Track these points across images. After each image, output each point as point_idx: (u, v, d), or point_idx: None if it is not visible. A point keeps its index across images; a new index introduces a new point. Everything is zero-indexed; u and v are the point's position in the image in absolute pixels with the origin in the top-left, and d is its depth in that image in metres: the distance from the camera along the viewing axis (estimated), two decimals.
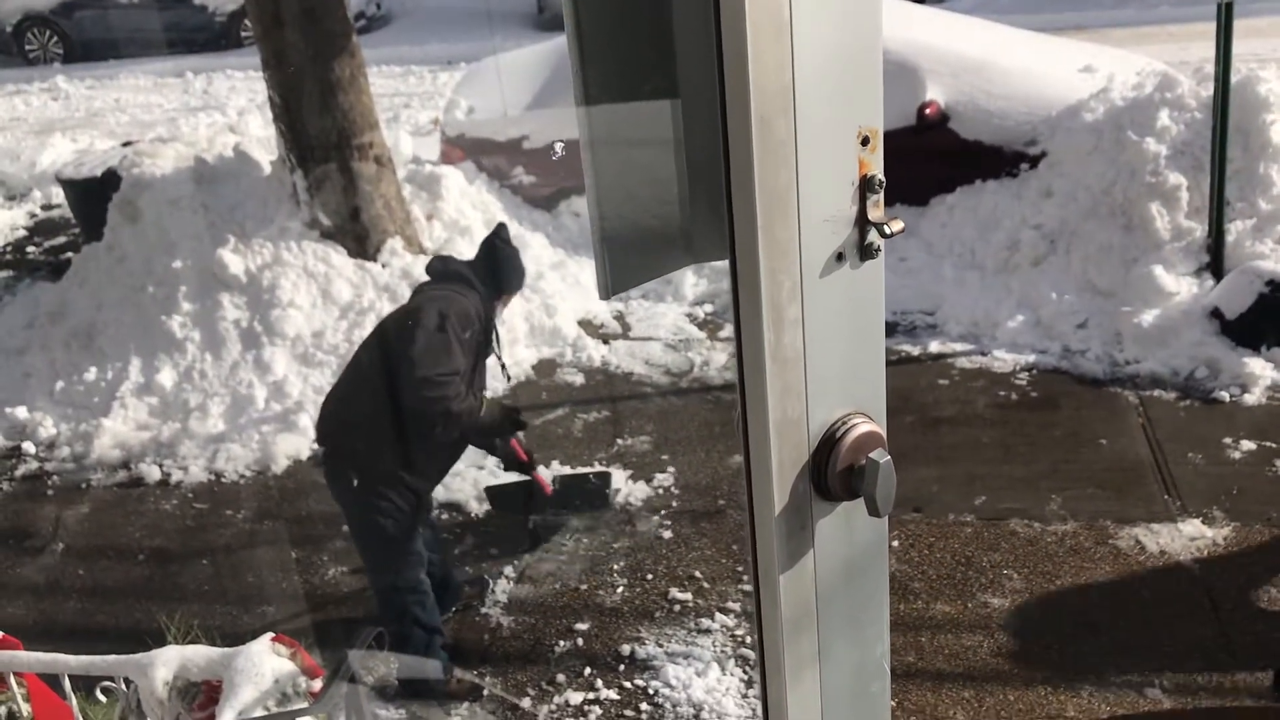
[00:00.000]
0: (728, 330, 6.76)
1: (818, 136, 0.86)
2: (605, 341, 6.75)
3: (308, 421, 5.89)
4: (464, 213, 7.33)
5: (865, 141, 0.89)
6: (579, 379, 6.38)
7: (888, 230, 0.92)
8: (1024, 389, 5.79)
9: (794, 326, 0.90)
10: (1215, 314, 5.77)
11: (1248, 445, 5.07)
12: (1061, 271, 6.42)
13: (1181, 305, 5.91)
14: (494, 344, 4.20)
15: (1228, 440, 5.12)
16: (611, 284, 0.94)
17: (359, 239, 6.70)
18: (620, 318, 7.08)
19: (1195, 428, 5.28)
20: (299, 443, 5.83)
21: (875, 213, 0.90)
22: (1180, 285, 5.99)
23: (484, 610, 4.53)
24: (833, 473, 0.96)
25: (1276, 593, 4.15)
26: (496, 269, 4.19)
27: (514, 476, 4.92)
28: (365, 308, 6.43)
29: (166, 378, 6.26)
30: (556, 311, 6.83)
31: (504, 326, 5.01)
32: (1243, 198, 6.13)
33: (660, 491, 5.20)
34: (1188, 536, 4.52)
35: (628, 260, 0.95)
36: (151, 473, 5.78)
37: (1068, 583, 4.32)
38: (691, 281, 7.26)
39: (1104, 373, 5.83)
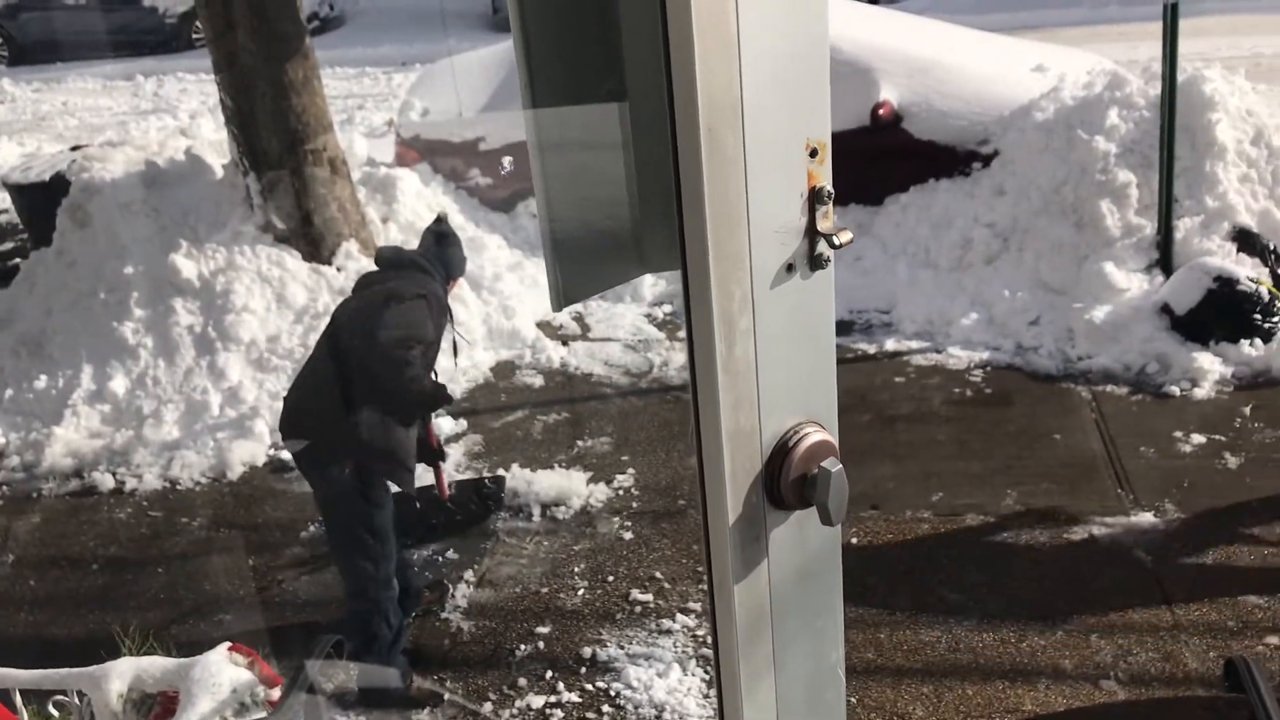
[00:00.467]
0: None
1: (766, 149, 0.86)
2: (564, 343, 6.74)
3: (263, 427, 5.84)
4: (420, 215, 7.29)
5: (814, 153, 0.89)
6: (538, 381, 6.37)
7: (837, 241, 0.92)
8: (978, 386, 5.85)
9: (745, 337, 0.90)
10: (1165, 310, 5.86)
11: (1198, 438, 5.15)
12: (1014, 269, 6.50)
13: (1132, 301, 6.00)
14: (450, 326, 4.30)
15: (1178, 434, 5.20)
16: (564, 296, 0.94)
17: (313, 242, 6.65)
18: (579, 319, 7.08)
19: (1147, 422, 5.35)
20: (255, 449, 5.77)
21: (824, 224, 0.91)
22: (1131, 282, 6.08)
23: (444, 615, 4.51)
24: (785, 482, 0.96)
25: (1229, 584, 4.21)
26: (443, 255, 4.28)
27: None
28: (320, 311, 6.37)
29: (119, 385, 6.18)
30: (515, 313, 6.82)
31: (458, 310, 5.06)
32: (1190, 195, 6.23)
33: (620, 493, 5.20)
34: (1140, 529, 4.59)
35: (580, 271, 0.95)
36: (105, 481, 5.70)
37: (1024, 577, 4.37)
38: (650, 282, 7.27)
39: (1057, 369, 5.90)
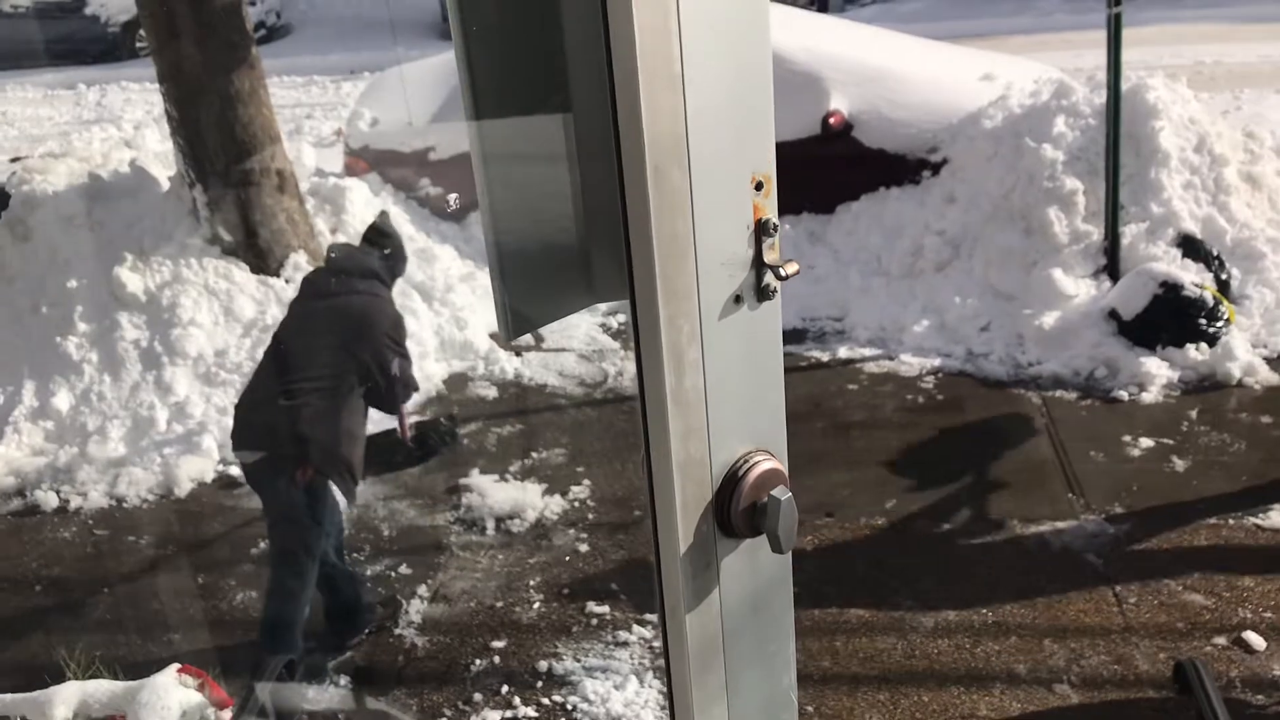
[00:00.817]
0: None
1: (712, 183, 0.86)
2: (518, 354, 6.71)
3: (212, 443, 5.76)
4: (368, 225, 7.23)
5: (759, 186, 0.90)
6: (492, 392, 6.33)
7: (783, 273, 0.93)
8: (930, 392, 5.89)
9: (694, 369, 0.91)
10: (1113, 315, 5.94)
11: (1146, 442, 5.22)
12: (964, 276, 6.55)
13: (1080, 307, 6.07)
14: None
15: (1127, 438, 5.26)
16: (513, 328, 0.94)
17: (261, 254, 6.57)
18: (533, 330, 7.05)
19: (1096, 426, 5.41)
20: (203, 465, 5.68)
21: (771, 255, 0.91)
22: (1079, 288, 6.15)
23: (397, 631, 4.46)
24: (736, 510, 0.96)
25: (1176, 586, 4.27)
26: (389, 254, 4.35)
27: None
28: (269, 324, 6.29)
29: (62, 401, 6.06)
30: (467, 325, 6.77)
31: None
32: (1136, 202, 6.31)
33: (576, 505, 5.18)
34: (1091, 533, 4.63)
35: (529, 302, 0.95)
36: (48, 499, 5.59)
37: (978, 582, 4.40)
38: None
39: (1007, 374, 5.95)
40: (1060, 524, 4.70)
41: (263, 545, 5.05)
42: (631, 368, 6.01)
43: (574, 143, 0.91)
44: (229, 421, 5.86)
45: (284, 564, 4.18)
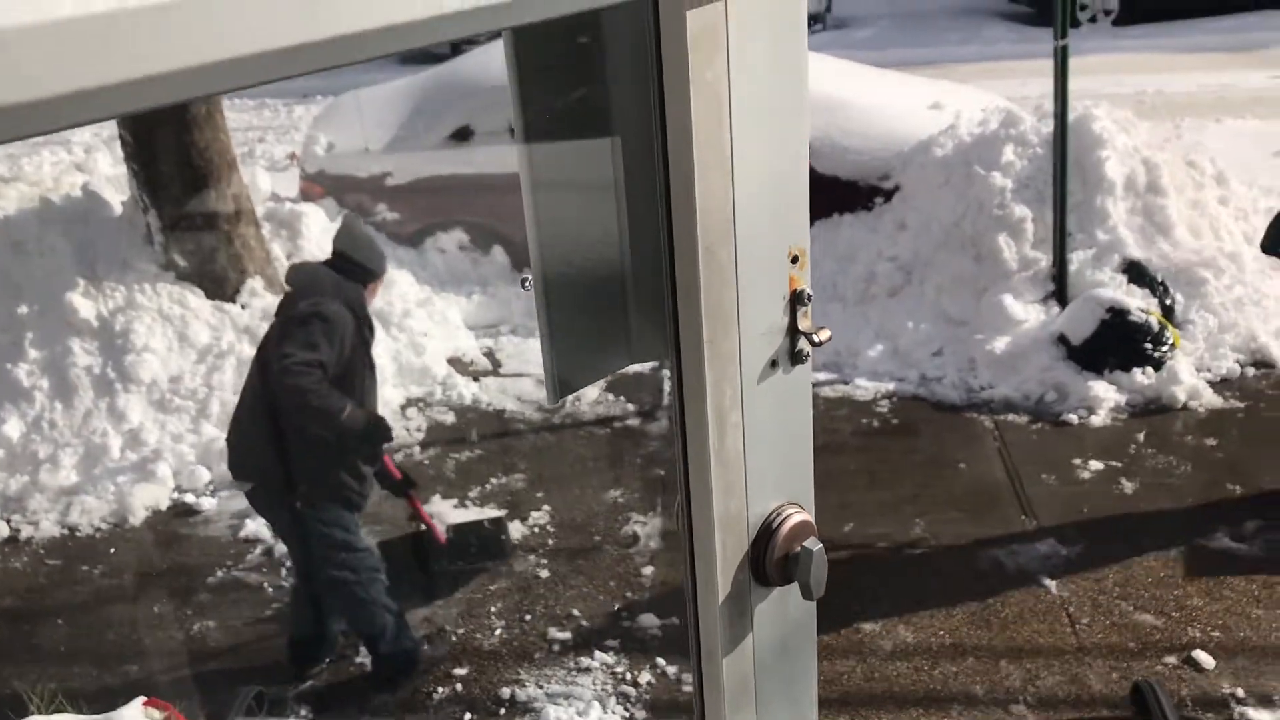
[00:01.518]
0: None
1: (755, 259, 0.94)
2: (476, 379, 6.71)
3: (166, 470, 5.70)
4: (325, 250, 7.21)
5: (795, 259, 0.97)
6: (450, 418, 6.33)
7: (816, 339, 1.01)
8: (885, 416, 5.98)
9: (735, 429, 0.98)
10: (1061, 340, 6.07)
11: (1095, 465, 5.33)
12: (917, 301, 6.66)
13: (1030, 332, 6.19)
14: (369, 337, 4.17)
15: (1077, 461, 5.38)
16: (560, 388, 1.00)
17: (217, 280, 6.53)
18: (490, 354, 7.06)
19: (1047, 450, 5.52)
20: (158, 492, 5.63)
21: (804, 323, 0.99)
22: (1028, 313, 6.28)
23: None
24: (770, 561, 1.04)
25: (1127, 606, 4.36)
26: (359, 256, 4.17)
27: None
28: (225, 350, 6.26)
29: (13, 428, 5.97)
30: (425, 350, 6.77)
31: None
32: (1082, 229, 6.46)
33: (536, 530, 5.19)
34: (1044, 555, 4.73)
35: (575, 362, 1.02)
36: None
37: (935, 604, 4.47)
38: None
39: (960, 398, 6.06)
40: (1015, 546, 4.79)
41: (220, 574, 5.01)
42: (590, 392, 6.01)
43: (624, 217, 0.98)
44: (184, 449, 5.83)
45: (329, 580, 4.16)
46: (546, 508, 5.35)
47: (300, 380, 3.79)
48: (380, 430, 4.12)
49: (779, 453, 1.03)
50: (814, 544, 1.07)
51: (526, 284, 0.95)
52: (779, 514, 1.04)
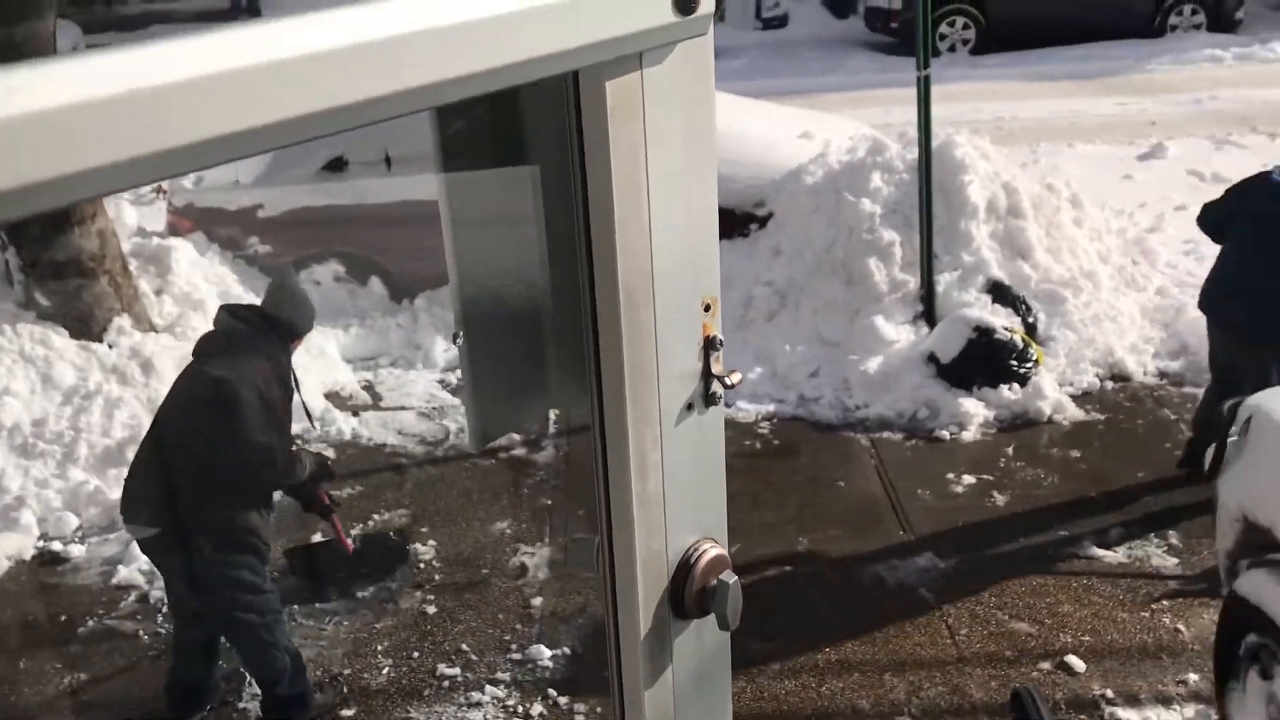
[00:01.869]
0: None
1: (671, 308, 1.00)
2: (355, 413, 6.61)
3: (31, 518, 5.47)
4: (196, 286, 7.04)
5: (707, 307, 1.04)
6: (329, 454, 6.21)
7: (729, 382, 1.07)
8: (766, 438, 6.08)
9: (655, 471, 1.03)
10: (931, 359, 6.26)
11: (968, 479, 5.51)
12: (793, 325, 6.80)
13: (901, 352, 6.38)
14: (295, 388, 4.12)
15: (950, 476, 5.55)
16: (480, 439, 1.03)
17: (82, 318, 6.31)
18: (369, 388, 6.96)
19: (922, 466, 5.69)
20: (21, 541, 5.39)
21: (717, 367, 1.06)
22: (899, 334, 6.47)
23: (241, 705, 4.32)
24: (689, 595, 1.09)
25: (1003, 616, 4.52)
26: (288, 314, 4.11)
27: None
28: (92, 391, 6.04)
29: None
30: (301, 385, 6.62)
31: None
32: (948, 251, 6.69)
33: (422, 565, 5.13)
34: (922, 568, 4.86)
35: (496, 411, 1.05)
36: None
37: (821, 621, 4.56)
38: (442, 347, 7.23)
39: (837, 418, 6.20)
40: (894, 561, 4.92)
41: (91, 623, 4.83)
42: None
43: (545, 269, 1.04)
44: (50, 494, 5.60)
45: (241, 634, 4.04)
46: (432, 542, 5.29)
47: (266, 473, 3.92)
48: (326, 471, 4.34)
49: (695, 491, 1.09)
50: (729, 577, 1.11)
51: (458, 340, 0.98)
52: (696, 549, 1.09)
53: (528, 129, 1.01)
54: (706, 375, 1.05)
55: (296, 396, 4.16)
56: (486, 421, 1.06)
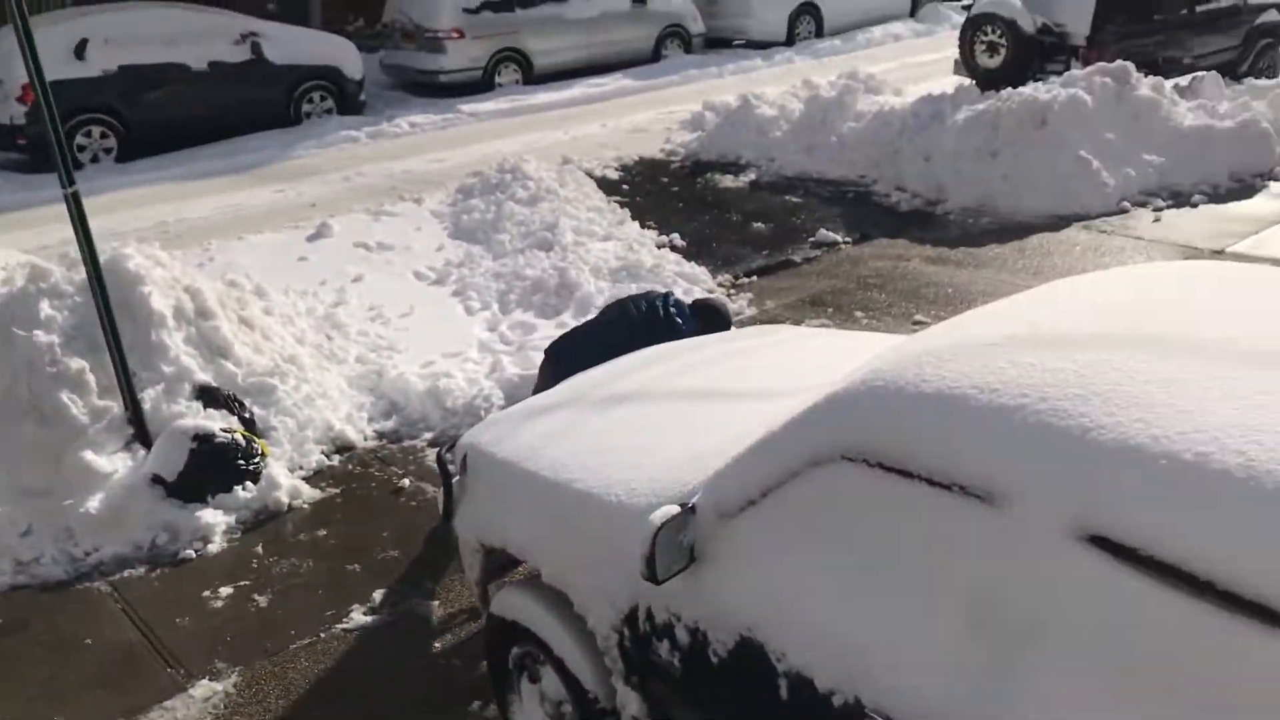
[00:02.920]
0: None
1: None
2: None
3: None
4: None
5: None
6: None
7: None
8: None
9: None
10: (157, 480, 5.93)
11: (226, 591, 5.33)
12: None
13: (123, 482, 5.95)
14: None
15: (208, 593, 5.31)
16: None
17: None
18: None
19: (173, 593, 5.37)
20: None
21: None
22: (115, 463, 6.03)
23: None
24: None
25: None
26: None
27: None
28: None
29: None
30: None
31: None
32: (146, 366, 6.38)
33: None
34: (202, 699, 4.59)
35: None
36: None
37: None
38: None
39: (67, 572, 5.60)
40: (169, 702, 4.59)
41: None
42: None
43: None
44: None
45: None
46: None
47: None
48: None
49: None
50: None
51: None
52: None
53: None
54: None
55: None
56: None
